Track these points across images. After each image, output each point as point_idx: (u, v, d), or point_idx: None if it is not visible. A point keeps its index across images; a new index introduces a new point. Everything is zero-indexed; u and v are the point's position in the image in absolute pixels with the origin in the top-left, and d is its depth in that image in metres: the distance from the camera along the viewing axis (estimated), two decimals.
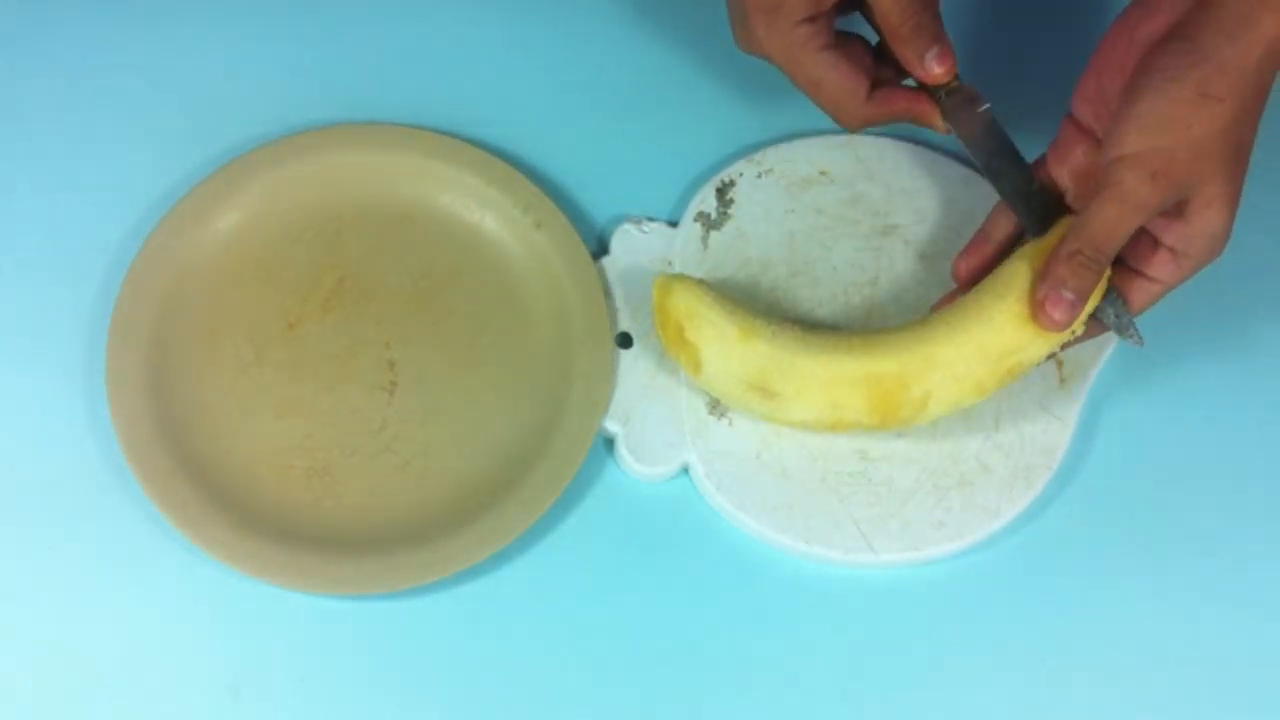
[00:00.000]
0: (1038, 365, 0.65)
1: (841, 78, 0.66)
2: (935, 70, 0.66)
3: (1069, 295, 0.61)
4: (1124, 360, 0.71)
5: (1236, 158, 0.60)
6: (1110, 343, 0.70)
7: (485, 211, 0.72)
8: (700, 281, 0.67)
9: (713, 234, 0.73)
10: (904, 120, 0.68)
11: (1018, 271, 0.64)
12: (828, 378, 0.65)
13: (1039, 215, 0.65)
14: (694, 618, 0.65)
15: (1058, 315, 0.62)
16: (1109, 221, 0.60)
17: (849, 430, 0.66)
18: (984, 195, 0.73)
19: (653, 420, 0.68)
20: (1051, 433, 0.68)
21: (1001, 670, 0.65)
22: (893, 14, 0.65)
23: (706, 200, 0.73)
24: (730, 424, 0.68)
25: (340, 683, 0.63)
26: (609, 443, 0.68)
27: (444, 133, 0.73)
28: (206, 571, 0.64)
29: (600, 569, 0.66)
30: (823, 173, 0.74)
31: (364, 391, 0.68)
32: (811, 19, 0.65)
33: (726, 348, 0.66)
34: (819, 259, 0.72)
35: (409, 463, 0.67)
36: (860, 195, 0.74)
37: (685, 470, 0.68)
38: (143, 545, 0.65)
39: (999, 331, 0.64)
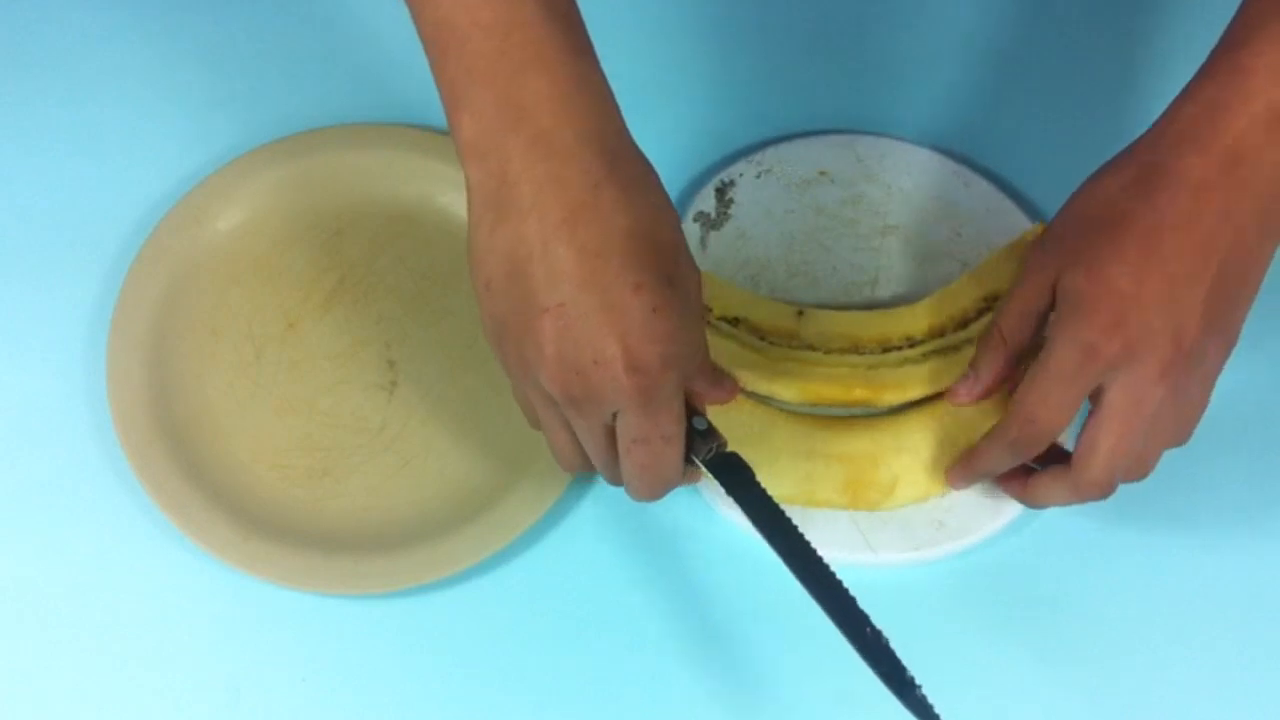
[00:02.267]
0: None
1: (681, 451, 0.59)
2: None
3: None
4: None
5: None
6: None
7: None
8: None
9: (713, 234, 0.73)
10: None
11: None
12: (802, 452, 0.66)
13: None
14: (694, 618, 0.65)
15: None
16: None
17: (820, 508, 0.66)
18: (984, 195, 0.74)
19: None
20: None
21: (1000, 670, 0.65)
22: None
23: (706, 200, 0.73)
24: None
25: (340, 683, 0.63)
26: None
27: (444, 133, 0.73)
28: (207, 571, 0.64)
29: (600, 569, 0.66)
30: (823, 173, 0.74)
31: (364, 391, 0.68)
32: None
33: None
34: (819, 259, 0.72)
35: (409, 463, 0.67)
36: (860, 195, 0.74)
37: None
38: (143, 545, 0.65)
39: (967, 426, 0.66)
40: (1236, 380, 0.71)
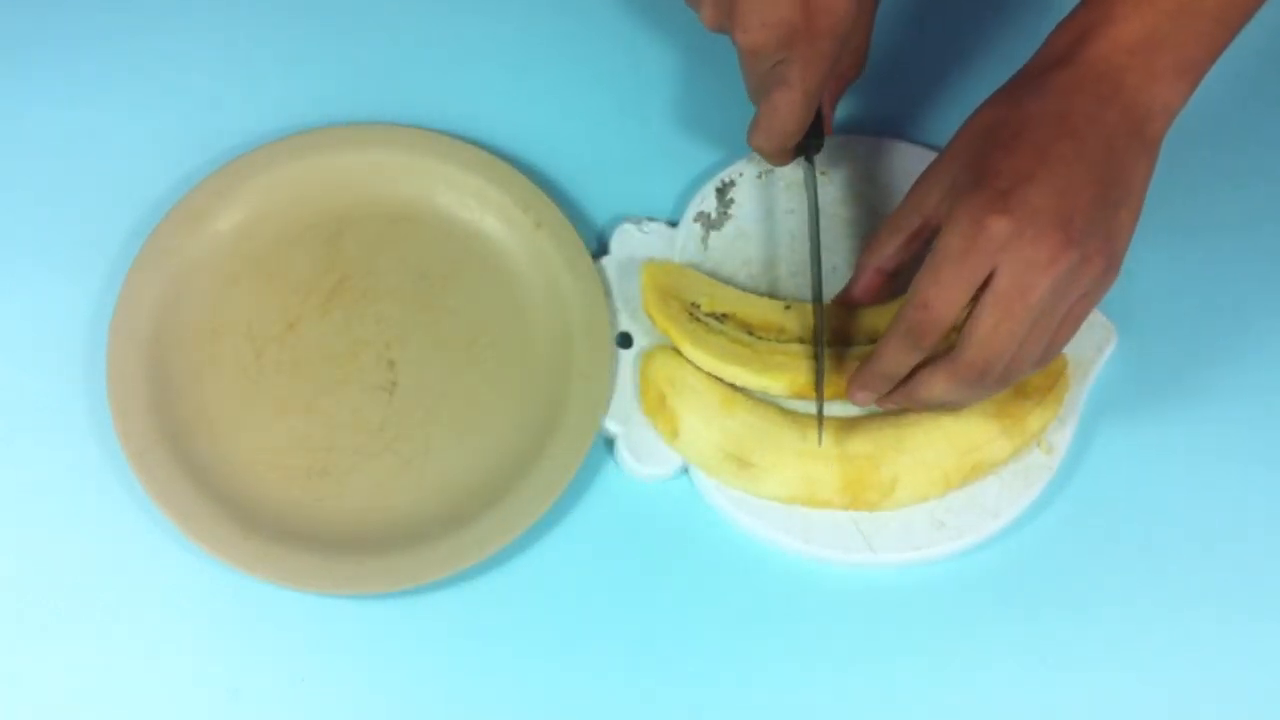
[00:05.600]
0: (1002, 465, 0.67)
1: (809, 109, 0.65)
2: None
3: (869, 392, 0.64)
4: (1124, 359, 0.71)
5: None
6: (1110, 343, 0.70)
7: (485, 211, 0.72)
8: (677, 352, 0.68)
9: (713, 234, 0.73)
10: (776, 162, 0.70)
11: None
12: (803, 451, 0.66)
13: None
14: (694, 617, 0.65)
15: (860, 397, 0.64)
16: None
17: (819, 508, 0.67)
18: None
19: None
20: (1051, 432, 0.68)
21: (1001, 670, 0.65)
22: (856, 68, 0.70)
23: (706, 200, 0.73)
24: None
25: (340, 683, 0.63)
26: (609, 443, 0.68)
27: (444, 133, 0.73)
28: (207, 571, 0.64)
29: (600, 569, 0.66)
30: (823, 173, 0.74)
31: (364, 391, 0.68)
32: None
33: (708, 416, 0.67)
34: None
35: (409, 463, 0.67)
36: (860, 195, 0.74)
37: (685, 470, 0.68)
38: (143, 545, 0.65)
39: (967, 425, 0.66)
40: (1247, 385, 0.71)
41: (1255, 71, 0.79)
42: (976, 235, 0.57)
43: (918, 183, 0.64)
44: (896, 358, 0.61)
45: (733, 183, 0.74)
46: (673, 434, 0.67)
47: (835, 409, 0.68)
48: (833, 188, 0.74)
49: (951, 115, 0.76)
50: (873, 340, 0.68)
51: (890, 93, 0.78)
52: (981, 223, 0.57)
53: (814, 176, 0.70)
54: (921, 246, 0.65)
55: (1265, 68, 0.79)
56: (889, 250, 0.65)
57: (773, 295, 0.71)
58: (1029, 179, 0.57)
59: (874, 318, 0.69)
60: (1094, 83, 0.59)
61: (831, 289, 0.71)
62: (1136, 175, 0.59)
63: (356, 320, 0.70)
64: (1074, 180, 0.57)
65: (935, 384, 0.61)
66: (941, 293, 0.58)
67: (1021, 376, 0.61)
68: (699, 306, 0.69)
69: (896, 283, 0.67)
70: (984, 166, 0.59)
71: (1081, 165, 0.58)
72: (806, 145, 0.69)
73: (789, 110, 0.64)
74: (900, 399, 0.63)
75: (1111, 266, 0.59)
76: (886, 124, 0.77)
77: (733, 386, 0.68)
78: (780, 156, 0.69)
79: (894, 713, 0.64)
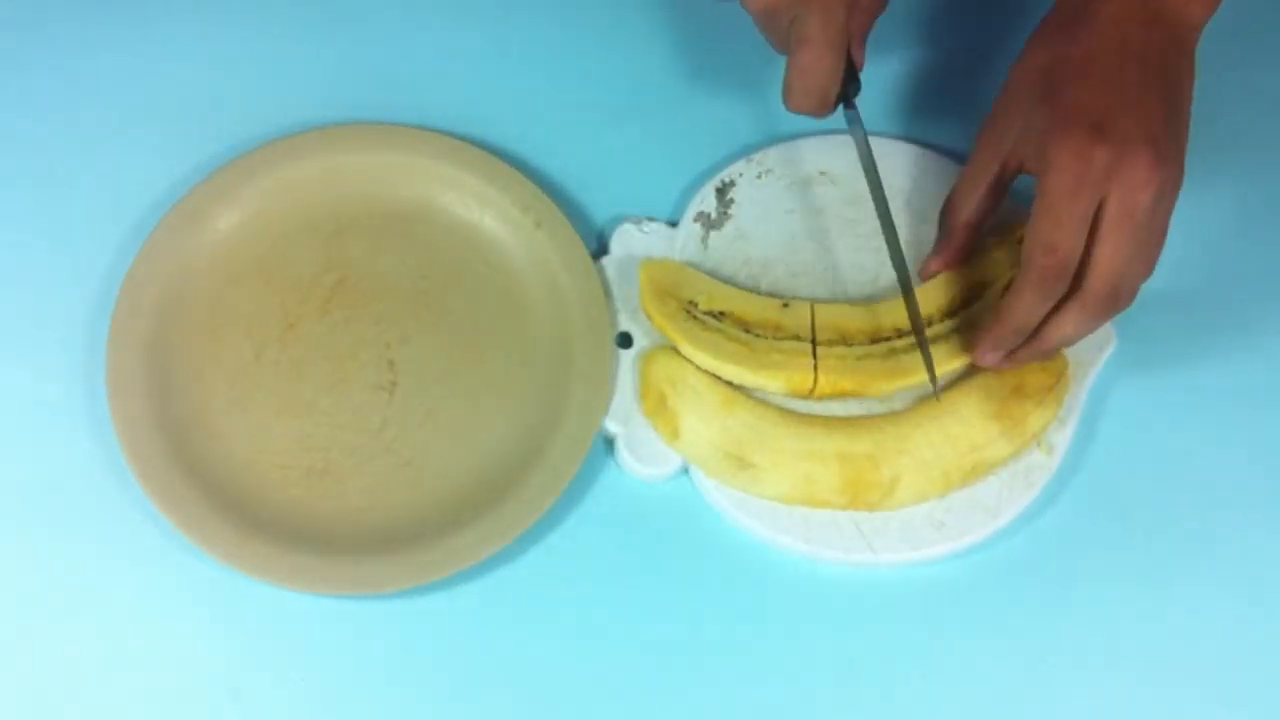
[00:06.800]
0: (1002, 465, 0.67)
1: (836, 60, 0.66)
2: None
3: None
4: (1124, 360, 0.71)
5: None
6: (1110, 343, 0.70)
7: (485, 211, 0.72)
8: (677, 352, 0.68)
9: (713, 234, 0.73)
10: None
11: (987, 371, 0.68)
12: (803, 451, 0.66)
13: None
14: (694, 618, 0.65)
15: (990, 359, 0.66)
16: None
17: (819, 508, 0.67)
18: None
19: None
20: (1051, 433, 0.68)
21: (1001, 670, 0.65)
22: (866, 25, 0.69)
23: (706, 200, 0.73)
24: None
25: (340, 683, 0.63)
26: (609, 443, 0.68)
27: (444, 133, 0.73)
28: (206, 571, 0.64)
29: (600, 569, 0.66)
30: (823, 173, 0.74)
31: (364, 391, 0.68)
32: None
33: (708, 416, 0.67)
34: (819, 259, 0.72)
35: (409, 463, 0.67)
36: (860, 195, 0.74)
37: (685, 470, 0.68)
38: (143, 545, 0.65)
39: (967, 426, 0.66)
40: (1246, 385, 0.71)
41: (1255, 72, 0.79)
42: (1084, 170, 0.60)
43: (983, 133, 0.66)
44: (1031, 309, 0.63)
45: (733, 183, 0.74)
46: (673, 434, 0.67)
47: (835, 408, 0.68)
48: (834, 188, 0.74)
49: (953, 115, 0.77)
50: (874, 341, 0.68)
51: (891, 93, 0.78)
52: (1086, 156, 0.60)
53: (859, 120, 0.69)
54: (1003, 194, 0.67)
55: (1265, 69, 0.79)
56: (974, 203, 0.67)
57: (774, 295, 0.71)
58: (1113, 108, 0.60)
59: (873, 319, 0.69)
60: (1138, 9, 0.63)
61: (831, 289, 0.71)
62: (1185, 84, 0.64)
63: (356, 320, 0.70)
64: (1148, 102, 0.61)
65: (1066, 324, 0.63)
66: (1063, 234, 0.60)
67: (1137, 293, 0.63)
68: (696, 305, 0.69)
69: (979, 236, 0.69)
70: (1061, 103, 0.61)
71: (1150, 86, 0.61)
72: (845, 92, 0.68)
73: (816, 67, 0.65)
74: (1028, 352, 0.65)
75: (1181, 172, 0.62)
76: (888, 124, 0.77)
77: (732, 386, 0.68)
78: (821, 112, 0.68)
79: (894, 713, 0.64)
